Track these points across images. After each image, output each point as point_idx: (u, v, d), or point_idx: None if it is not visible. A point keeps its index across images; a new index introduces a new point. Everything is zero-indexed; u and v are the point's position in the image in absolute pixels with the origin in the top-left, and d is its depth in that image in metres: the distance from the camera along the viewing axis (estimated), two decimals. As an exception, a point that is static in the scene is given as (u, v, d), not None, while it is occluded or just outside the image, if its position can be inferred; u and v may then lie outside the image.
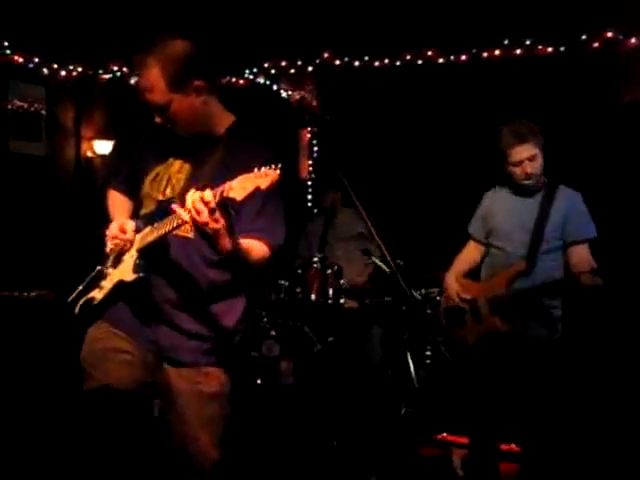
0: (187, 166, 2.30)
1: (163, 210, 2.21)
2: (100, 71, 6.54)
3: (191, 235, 2.22)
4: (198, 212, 1.88)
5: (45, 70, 6.13)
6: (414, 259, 4.94)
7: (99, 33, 6.20)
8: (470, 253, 3.58)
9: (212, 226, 1.90)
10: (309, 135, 6.70)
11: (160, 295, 2.26)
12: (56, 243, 5.97)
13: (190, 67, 2.18)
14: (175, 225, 2.06)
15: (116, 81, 6.57)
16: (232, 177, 1.87)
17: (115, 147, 6.55)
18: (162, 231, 2.13)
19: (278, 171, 1.82)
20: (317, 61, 5.84)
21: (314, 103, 6.81)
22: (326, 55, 5.79)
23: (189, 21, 5.59)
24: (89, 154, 6.64)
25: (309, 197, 6.97)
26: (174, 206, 2.03)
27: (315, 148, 6.59)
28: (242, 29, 5.73)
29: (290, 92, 6.38)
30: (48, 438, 3.57)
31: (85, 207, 6.13)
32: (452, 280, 3.55)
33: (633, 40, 5.15)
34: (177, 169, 2.31)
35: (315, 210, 6.54)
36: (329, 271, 4.67)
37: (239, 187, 1.82)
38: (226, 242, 1.99)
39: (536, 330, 3.29)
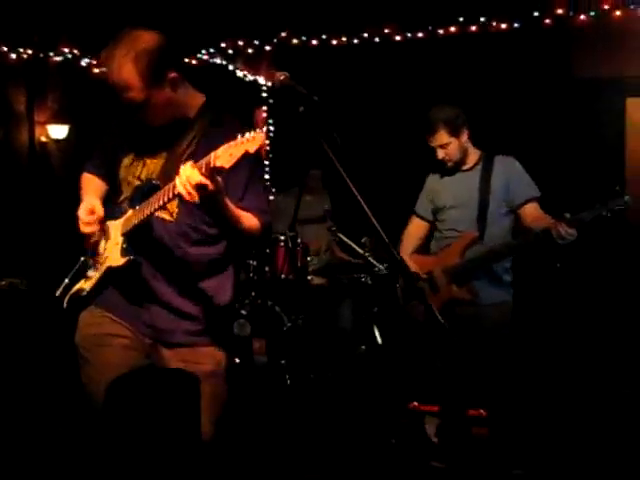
0: (162, 151, 2.29)
1: (142, 193, 2.22)
2: (51, 53, 6.40)
3: (173, 217, 2.23)
4: (187, 186, 1.91)
5: (-6, 54, 5.98)
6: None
7: (48, 13, 6.05)
8: (418, 229, 3.71)
9: (202, 195, 1.92)
10: (265, 114, 6.72)
11: (149, 278, 2.27)
12: (12, 232, 5.85)
13: (163, 60, 2.15)
14: (158, 205, 2.08)
15: (68, 63, 6.44)
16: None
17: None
18: (147, 212, 2.14)
19: (263, 134, 1.85)
20: (274, 40, 5.83)
21: (269, 83, 6.81)
22: (283, 34, 5.78)
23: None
24: (43, 139, 6.52)
25: (267, 176, 7.01)
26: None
27: (272, 127, 6.60)
28: (198, 9, 5.67)
29: (245, 72, 6.39)
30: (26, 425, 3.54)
31: (41, 192, 6.03)
32: (406, 257, 3.63)
33: (582, 17, 5.31)
34: (152, 154, 2.31)
35: (273, 189, 6.58)
36: (296, 249, 4.72)
37: (225, 155, 1.84)
38: (219, 208, 2.03)
39: (491, 295, 3.44)
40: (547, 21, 5.31)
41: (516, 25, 5.33)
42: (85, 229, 2.29)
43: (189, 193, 1.92)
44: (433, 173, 3.69)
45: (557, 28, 5.30)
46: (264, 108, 6.74)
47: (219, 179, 1.94)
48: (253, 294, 4.68)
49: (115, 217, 2.30)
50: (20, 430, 3.45)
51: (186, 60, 6.16)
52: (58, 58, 6.41)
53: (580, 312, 5.07)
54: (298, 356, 4.52)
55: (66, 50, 6.38)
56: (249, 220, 2.22)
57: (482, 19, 5.38)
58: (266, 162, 7.02)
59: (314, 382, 4.46)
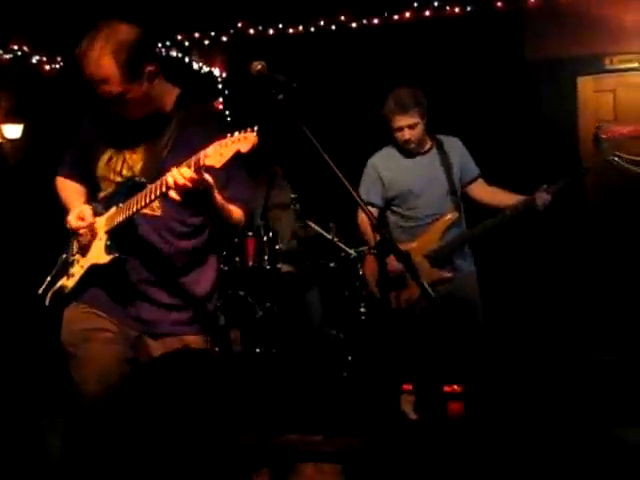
0: (142, 145, 2.29)
1: (126, 190, 2.22)
2: (0, 51, 6.25)
3: (158, 212, 2.25)
4: (180, 185, 1.92)
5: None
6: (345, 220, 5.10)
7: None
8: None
9: (193, 193, 1.94)
10: (221, 106, 6.69)
11: (135, 273, 2.28)
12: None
13: (141, 53, 2.15)
14: (145, 203, 2.09)
15: (19, 61, 6.30)
16: (188, 149, 1.93)
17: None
18: (133, 209, 2.14)
19: (255, 133, 1.86)
20: (231, 31, 5.81)
21: (223, 74, 6.79)
22: (240, 25, 5.77)
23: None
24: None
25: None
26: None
27: (228, 119, 6.58)
28: (152, 1, 5.62)
29: (201, 64, 6.35)
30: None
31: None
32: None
33: (532, -1, 5.43)
34: (131, 150, 2.30)
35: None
36: (265, 238, 4.75)
37: (215, 154, 1.85)
38: (210, 205, 2.05)
39: (460, 267, 3.60)
40: (499, 4, 5.41)
41: (469, 9, 5.41)
42: (79, 239, 2.30)
43: (179, 193, 1.94)
44: (377, 157, 3.72)
45: (508, 11, 5.40)
46: (220, 100, 6.72)
47: (209, 177, 1.96)
48: (224, 285, 4.71)
49: (97, 214, 2.30)
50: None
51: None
52: (8, 56, 6.27)
53: (542, 286, 5.23)
54: (270, 343, 4.56)
55: (16, 47, 6.24)
56: (236, 212, 2.25)
57: (436, 4, 5.45)
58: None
59: (287, 369, 4.50)
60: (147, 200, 2.09)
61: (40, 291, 2.37)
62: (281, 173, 5.55)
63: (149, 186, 2.10)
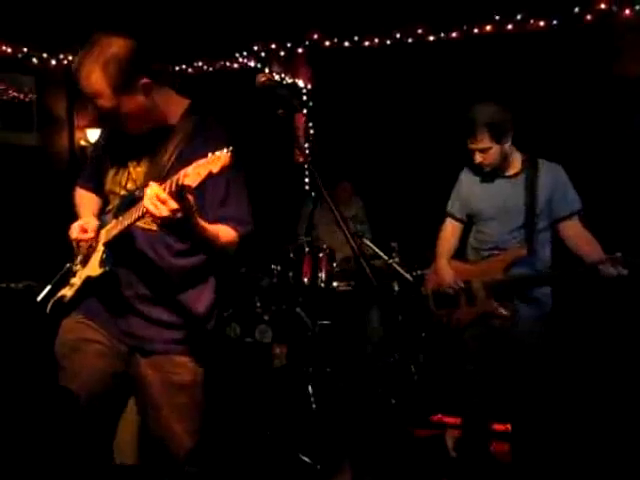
0: (146, 159, 2.25)
1: (126, 203, 2.20)
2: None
3: (155, 227, 2.19)
4: (155, 206, 1.85)
5: (35, 60, 6.09)
6: (408, 239, 4.92)
7: (89, 21, 6.13)
8: (453, 233, 3.49)
9: (170, 216, 1.86)
10: (304, 118, 6.65)
11: (130, 288, 2.25)
12: (50, 234, 5.94)
13: (134, 66, 2.08)
14: (137, 217, 2.03)
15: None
16: (191, 162, 1.83)
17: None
18: (125, 223, 2.11)
19: (229, 154, 1.77)
20: (307, 42, 5.76)
21: (308, 86, 6.76)
22: (315, 36, 5.71)
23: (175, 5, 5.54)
24: (83, 143, 6.62)
25: (306, 180, 6.96)
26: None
27: (311, 131, 6.54)
28: (230, 12, 5.66)
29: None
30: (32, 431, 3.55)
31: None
32: (444, 264, 3.46)
33: (627, 11, 5.06)
34: (136, 163, 2.27)
35: (313, 194, 6.52)
36: (321, 254, 4.65)
37: (194, 173, 1.78)
38: (190, 229, 1.97)
39: (527, 311, 3.26)
40: (588, 17, 5.08)
41: (555, 22, 5.10)
42: (76, 245, 2.30)
43: (157, 208, 1.86)
44: (469, 170, 3.42)
45: (599, 25, 5.06)
46: (304, 112, 6.69)
47: (189, 198, 1.87)
48: (277, 299, 4.65)
49: (102, 227, 2.29)
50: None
51: (225, 64, 6.21)
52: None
53: (616, 323, 4.82)
54: (321, 363, 4.44)
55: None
56: (226, 234, 2.17)
57: (519, 17, 5.17)
58: (305, 166, 7.01)
59: (337, 390, 4.37)
60: (136, 215, 2.04)
61: (39, 299, 2.36)
62: (349, 189, 5.54)
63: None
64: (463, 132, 3.23)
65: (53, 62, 6.25)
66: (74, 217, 2.41)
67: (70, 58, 6.31)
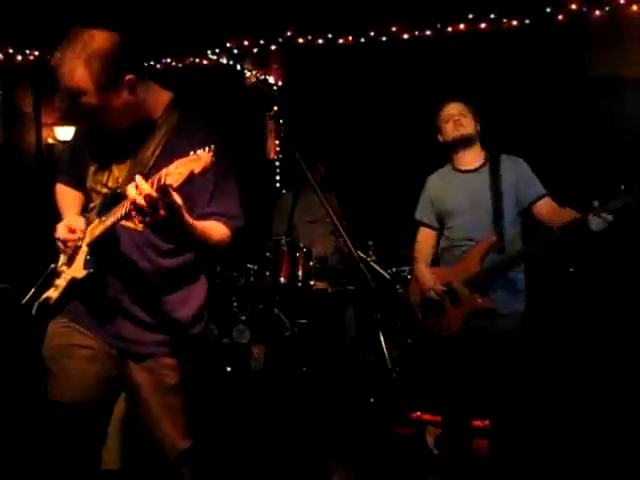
0: (128, 155, 2.18)
1: (108, 202, 2.13)
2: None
3: (141, 227, 2.13)
4: (139, 204, 1.78)
5: (0, 55, 5.94)
6: (384, 238, 4.93)
7: (55, 15, 6.01)
8: (428, 240, 3.51)
9: (156, 215, 1.80)
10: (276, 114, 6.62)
11: (116, 289, 2.19)
12: (17, 235, 5.81)
13: (118, 62, 1.99)
14: (121, 214, 1.96)
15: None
16: (174, 157, 1.77)
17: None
18: (109, 222, 2.04)
19: (211, 153, 1.72)
20: (280, 40, 5.72)
21: (279, 82, 6.73)
22: (289, 33, 5.67)
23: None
24: (50, 140, 6.48)
25: (277, 177, 6.94)
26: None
27: (282, 128, 6.50)
28: (203, 8, 5.59)
29: (252, 72, 6.29)
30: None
31: (48, 196, 5.98)
32: (426, 271, 3.45)
33: (597, 12, 5.13)
34: (118, 160, 2.20)
35: (283, 190, 6.50)
36: (298, 253, 4.62)
37: (175, 172, 1.72)
38: (178, 227, 1.90)
39: (505, 304, 3.26)
40: (560, 17, 5.13)
41: (527, 22, 5.15)
42: (63, 246, 2.22)
43: (143, 200, 1.78)
44: (433, 176, 3.50)
45: (571, 24, 5.12)
46: (275, 108, 6.65)
47: (174, 196, 1.80)
48: (254, 299, 4.62)
49: (87, 226, 2.21)
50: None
51: (195, 60, 6.14)
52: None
53: (593, 318, 4.90)
54: (297, 361, 4.42)
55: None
56: (218, 231, 2.13)
57: (492, 15, 5.21)
58: (276, 163, 6.99)
59: (311, 388, 4.35)
60: (121, 213, 1.97)
61: (24, 301, 2.30)
62: (324, 173, 5.34)
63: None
64: (439, 105, 3.31)
65: (19, 58, 6.10)
66: (43, 216, 2.33)
67: (37, 54, 6.18)
